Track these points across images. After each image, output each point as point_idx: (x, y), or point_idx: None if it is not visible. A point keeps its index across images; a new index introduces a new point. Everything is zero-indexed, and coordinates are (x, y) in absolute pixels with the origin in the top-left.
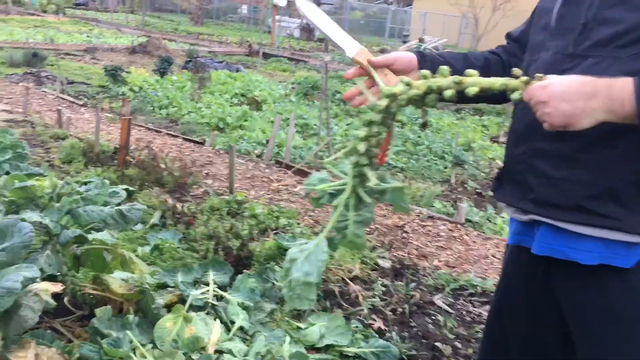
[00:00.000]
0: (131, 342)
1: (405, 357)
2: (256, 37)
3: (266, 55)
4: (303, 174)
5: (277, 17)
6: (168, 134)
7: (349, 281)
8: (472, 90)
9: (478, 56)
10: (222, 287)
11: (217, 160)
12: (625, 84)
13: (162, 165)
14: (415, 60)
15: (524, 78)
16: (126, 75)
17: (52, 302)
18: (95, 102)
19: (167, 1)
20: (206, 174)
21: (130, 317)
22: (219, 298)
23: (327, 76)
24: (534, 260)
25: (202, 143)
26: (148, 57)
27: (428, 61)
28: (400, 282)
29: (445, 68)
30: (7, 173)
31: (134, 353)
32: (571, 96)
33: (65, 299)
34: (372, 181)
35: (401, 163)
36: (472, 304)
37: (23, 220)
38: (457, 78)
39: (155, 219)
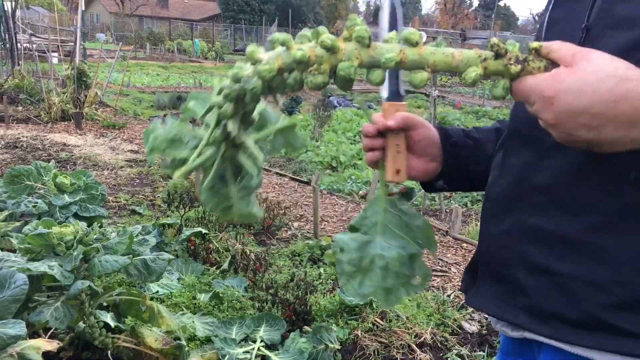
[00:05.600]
0: None
1: None
2: None
3: None
4: None
5: None
6: (277, 173)
7: (415, 348)
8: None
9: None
10: (272, 345)
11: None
12: None
13: None
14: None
15: (512, 52)
16: None
17: None
18: None
19: None
20: (300, 215)
21: None
22: (264, 359)
23: (435, 110)
24: None
25: (307, 183)
26: (286, 96)
27: (448, 140)
28: (481, 353)
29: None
30: (75, 214)
31: None
32: (595, 84)
33: (109, 352)
34: (233, 131)
35: None
36: None
37: (27, 270)
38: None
39: (225, 264)
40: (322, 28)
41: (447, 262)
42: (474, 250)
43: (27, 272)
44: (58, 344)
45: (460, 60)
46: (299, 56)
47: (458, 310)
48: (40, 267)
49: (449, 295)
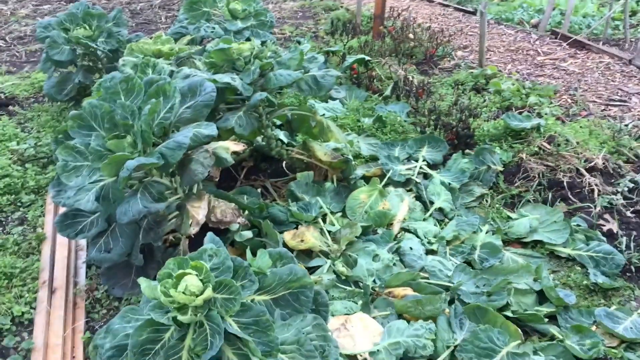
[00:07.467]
0: (321, 208)
1: (633, 268)
2: None
3: None
4: (581, 46)
5: None
6: (440, 3)
7: (584, 172)
8: None
9: None
10: (434, 165)
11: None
12: None
13: (411, 36)
14: None
15: None
16: None
17: (230, 160)
18: None
19: None
20: (464, 46)
21: (328, 184)
22: (426, 176)
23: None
24: None
25: (473, 12)
26: None
27: None
28: None
29: None
30: (248, 39)
31: (323, 218)
32: None
33: (284, 163)
34: None
35: None
36: None
37: (214, 81)
38: None
39: (387, 90)
40: None
41: (627, 92)
42: None
43: (213, 83)
44: (243, 146)
45: None
46: None
47: (636, 140)
48: (224, 78)
49: (626, 125)
